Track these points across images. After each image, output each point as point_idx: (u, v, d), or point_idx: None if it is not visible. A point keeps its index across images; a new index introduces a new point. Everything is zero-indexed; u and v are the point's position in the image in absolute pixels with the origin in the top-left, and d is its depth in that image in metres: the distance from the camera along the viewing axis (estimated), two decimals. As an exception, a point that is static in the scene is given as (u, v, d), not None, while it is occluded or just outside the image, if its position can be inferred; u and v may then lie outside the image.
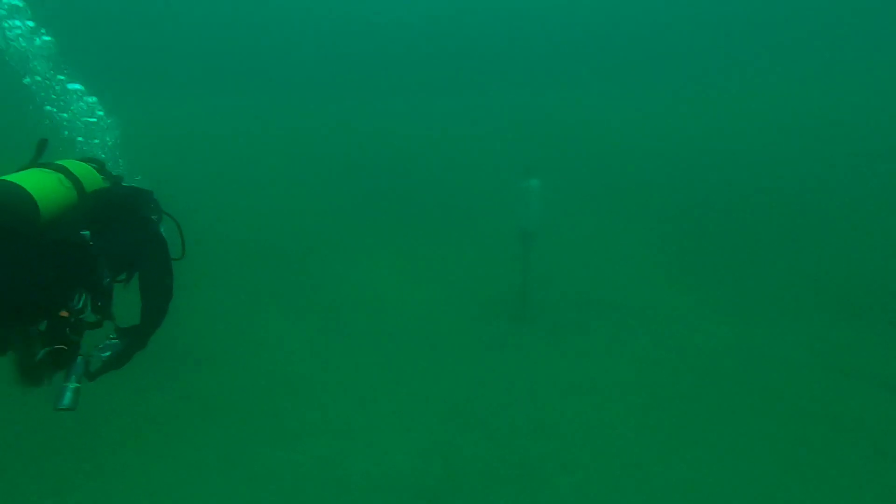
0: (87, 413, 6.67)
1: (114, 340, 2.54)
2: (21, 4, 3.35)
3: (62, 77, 3.49)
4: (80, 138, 3.49)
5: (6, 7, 3.26)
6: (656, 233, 11.33)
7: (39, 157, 2.55)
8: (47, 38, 3.49)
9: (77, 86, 3.49)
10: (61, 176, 2.39)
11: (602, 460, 6.38)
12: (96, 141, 3.51)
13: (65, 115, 3.55)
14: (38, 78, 3.51)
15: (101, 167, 2.73)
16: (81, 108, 3.53)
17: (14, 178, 2.28)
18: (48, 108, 3.43)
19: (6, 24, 3.23)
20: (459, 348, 8.34)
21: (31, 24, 3.35)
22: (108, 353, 2.50)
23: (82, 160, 2.66)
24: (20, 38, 3.32)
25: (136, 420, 6.59)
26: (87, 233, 2.31)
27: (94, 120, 3.50)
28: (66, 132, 3.45)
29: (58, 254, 2.20)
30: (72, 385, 2.24)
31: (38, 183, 2.29)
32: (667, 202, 12.34)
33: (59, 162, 2.51)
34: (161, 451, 6.35)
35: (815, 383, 7.41)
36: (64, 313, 2.19)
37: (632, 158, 14.33)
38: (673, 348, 8.24)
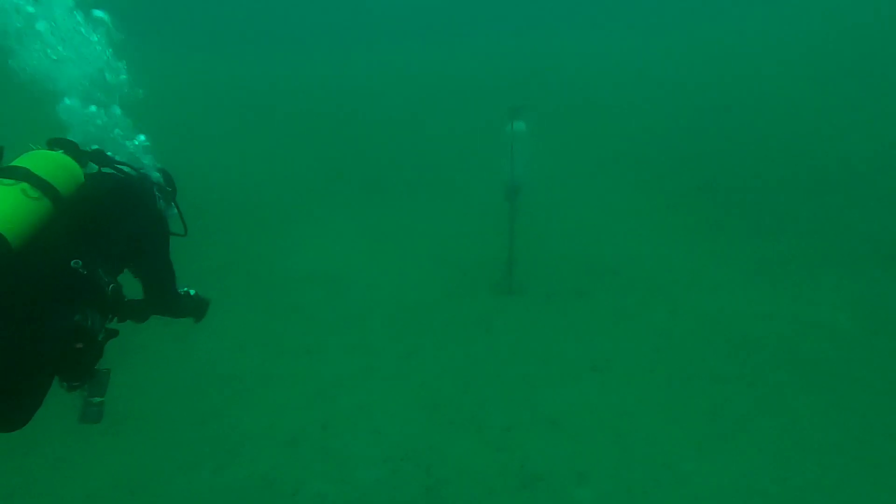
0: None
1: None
2: None
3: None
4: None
5: None
6: (668, 185, 10.04)
7: None
8: None
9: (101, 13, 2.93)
10: (25, 185, 2.03)
11: (624, 458, 5.06)
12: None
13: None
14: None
15: (75, 150, 2.34)
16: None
17: None
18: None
19: None
20: (438, 328, 7.10)
21: None
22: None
23: (50, 146, 2.31)
24: None
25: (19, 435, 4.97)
26: (77, 262, 2.06)
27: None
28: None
29: (48, 291, 1.97)
30: (95, 399, 2.32)
31: None
32: (678, 150, 11.06)
33: (18, 163, 2.13)
34: (47, 475, 4.82)
35: (869, 350, 6.19)
36: (78, 345, 2.11)
37: (637, 99, 12.97)
38: (694, 318, 6.98)
